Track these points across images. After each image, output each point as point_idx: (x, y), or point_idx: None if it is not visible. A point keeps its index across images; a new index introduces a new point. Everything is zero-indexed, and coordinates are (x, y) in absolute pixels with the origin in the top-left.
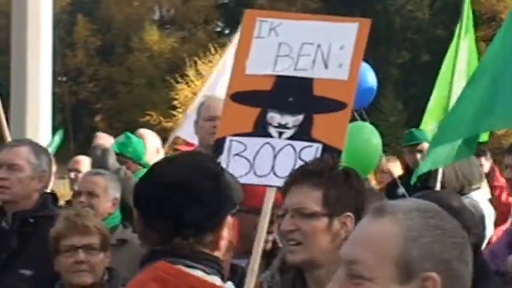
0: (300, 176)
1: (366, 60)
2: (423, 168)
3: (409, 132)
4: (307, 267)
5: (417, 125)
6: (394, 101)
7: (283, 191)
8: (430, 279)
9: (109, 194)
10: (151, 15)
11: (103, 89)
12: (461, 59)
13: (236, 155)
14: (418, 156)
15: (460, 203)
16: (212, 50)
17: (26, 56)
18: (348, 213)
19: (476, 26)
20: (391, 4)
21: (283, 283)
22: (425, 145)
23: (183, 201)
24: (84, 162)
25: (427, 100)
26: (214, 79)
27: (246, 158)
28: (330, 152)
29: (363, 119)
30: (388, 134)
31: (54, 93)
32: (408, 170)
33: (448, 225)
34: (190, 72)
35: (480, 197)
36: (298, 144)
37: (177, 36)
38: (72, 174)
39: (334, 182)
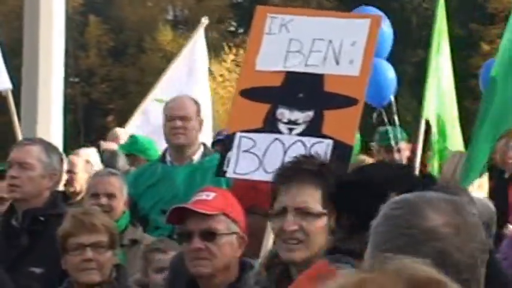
0: (301, 174)
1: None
2: (477, 169)
3: (386, 131)
4: (303, 264)
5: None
6: (409, 99)
7: (276, 187)
8: None
9: (123, 194)
10: (165, 15)
11: (115, 90)
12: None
13: (245, 151)
14: (396, 155)
15: (469, 197)
16: (226, 49)
17: (38, 57)
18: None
19: (492, 23)
20: (408, 2)
21: (269, 277)
22: (402, 145)
23: (367, 199)
24: (80, 164)
25: None
26: (167, 83)
27: (256, 155)
28: (341, 148)
29: (382, 119)
30: None
31: (66, 95)
32: None
33: (407, 216)
34: None
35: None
36: (309, 140)
37: (191, 36)
38: (67, 176)
39: (331, 181)
